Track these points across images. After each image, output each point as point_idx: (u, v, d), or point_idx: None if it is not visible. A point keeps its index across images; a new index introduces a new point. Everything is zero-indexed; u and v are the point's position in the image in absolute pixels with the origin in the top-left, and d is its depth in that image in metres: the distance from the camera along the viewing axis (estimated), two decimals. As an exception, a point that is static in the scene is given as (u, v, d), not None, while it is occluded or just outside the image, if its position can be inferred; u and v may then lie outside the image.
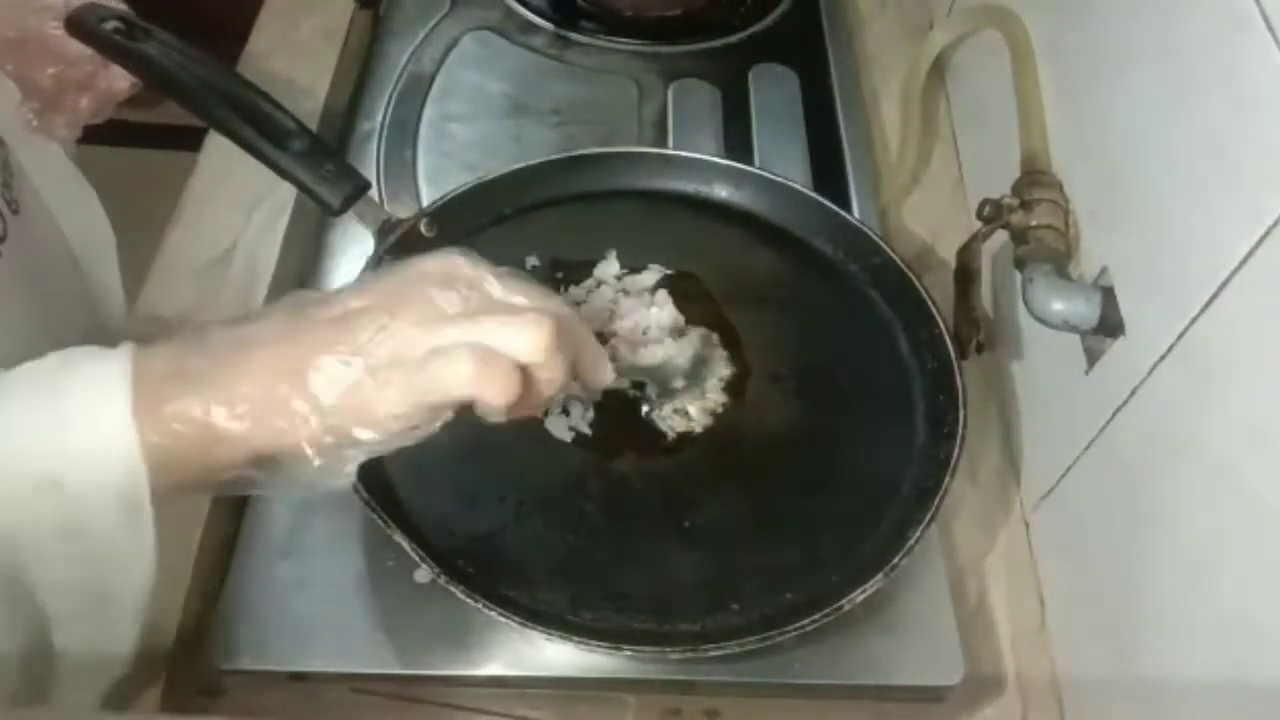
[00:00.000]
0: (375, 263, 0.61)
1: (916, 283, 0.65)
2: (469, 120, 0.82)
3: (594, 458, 0.60)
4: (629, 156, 0.73)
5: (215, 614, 0.56)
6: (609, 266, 0.68)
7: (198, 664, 0.56)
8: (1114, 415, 0.54)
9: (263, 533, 0.59)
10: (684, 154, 0.74)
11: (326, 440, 0.38)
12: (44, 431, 0.37)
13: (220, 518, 0.60)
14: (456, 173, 0.76)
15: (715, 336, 0.65)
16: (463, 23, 0.90)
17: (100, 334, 0.65)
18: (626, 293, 0.67)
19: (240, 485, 0.40)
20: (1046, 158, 0.63)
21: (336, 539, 0.58)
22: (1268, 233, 0.41)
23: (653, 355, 0.63)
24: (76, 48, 0.58)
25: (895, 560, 0.53)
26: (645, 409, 0.62)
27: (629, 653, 0.52)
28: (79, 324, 0.63)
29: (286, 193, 0.74)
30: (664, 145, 0.81)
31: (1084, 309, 0.54)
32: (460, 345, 0.38)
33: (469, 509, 0.58)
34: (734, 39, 0.91)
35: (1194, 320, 0.46)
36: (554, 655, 0.55)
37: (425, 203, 0.72)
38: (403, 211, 0.65)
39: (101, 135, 0.66)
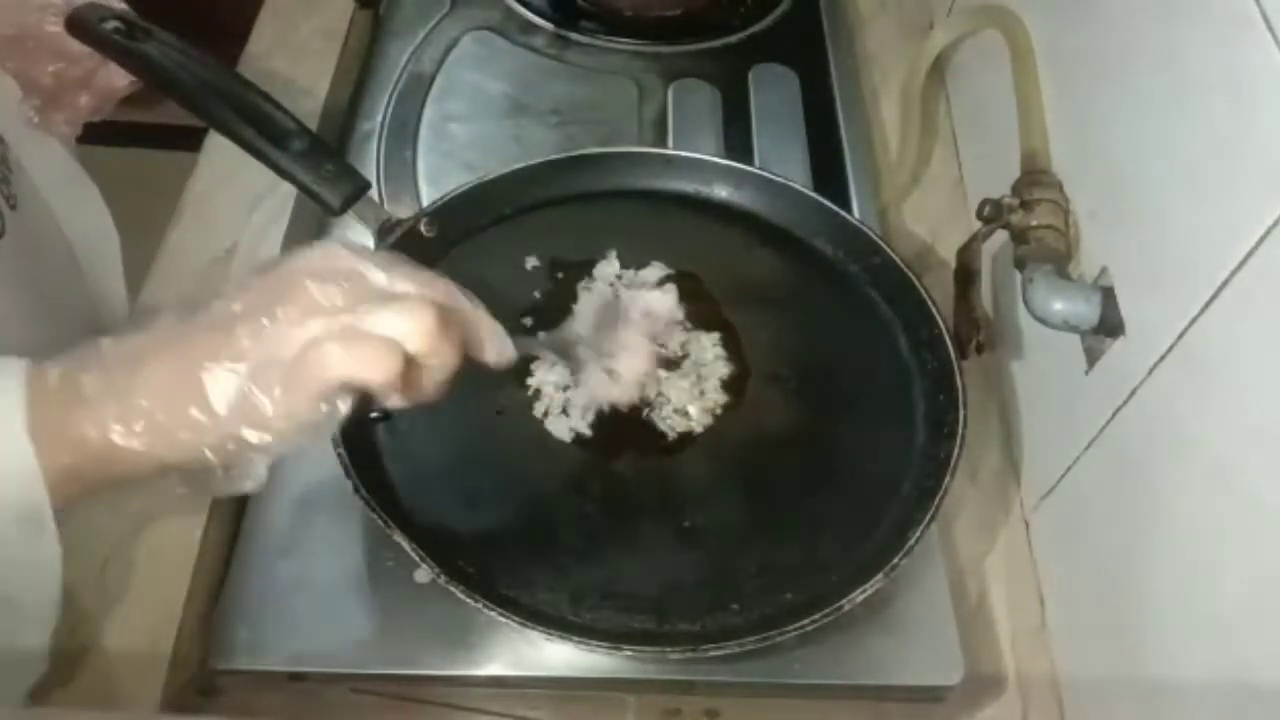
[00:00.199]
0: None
1: (916, 283, 0.65)
2: (469, 120, 0.82)
3: (594, 458, 0.60)
4: (629, 156, 0.73)
5: (215, 614, 0.56)
6: (609, 266, 0.68)
7: (197, 664, 0.56)
8: (1114, 415, 0.54)
9: (262, 533, 0.59)
10: (684, 154, 0.74)
11: (228, 447, 0.38)
12: None
13: (220, 518, 0.60)
14: (456, 173, 0.76)
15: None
16: (463, 23, 0.90)
17: (101, 333, 0.65)
18: (628, 285, 0.67)
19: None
20: (1046, 157, 0.63)
21: (336, 539, 0.58)
22: (1268, 233, 0.41)
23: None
24: (76, 45, 0.58)
25: (895, 560, 0.53)
26: (645, 409, 0.62)
27: (629, 653, 0.52)
28: (79, 322, 0.63)
29: (286, 193, 0.74)
30: (664, 145, 0.81)
31: (1084, 309, 0.54)
32: (331, 333, 0.38)
33: (469, 509, 0.58)
34: (734, 39, 0.91)
35: (1194, 320, 0.46)
36: (554, 655, 0.55)
37: (425, 203, 0.72)
38: (403, 211, 0.65)
39: (101, 135, 0.66)
